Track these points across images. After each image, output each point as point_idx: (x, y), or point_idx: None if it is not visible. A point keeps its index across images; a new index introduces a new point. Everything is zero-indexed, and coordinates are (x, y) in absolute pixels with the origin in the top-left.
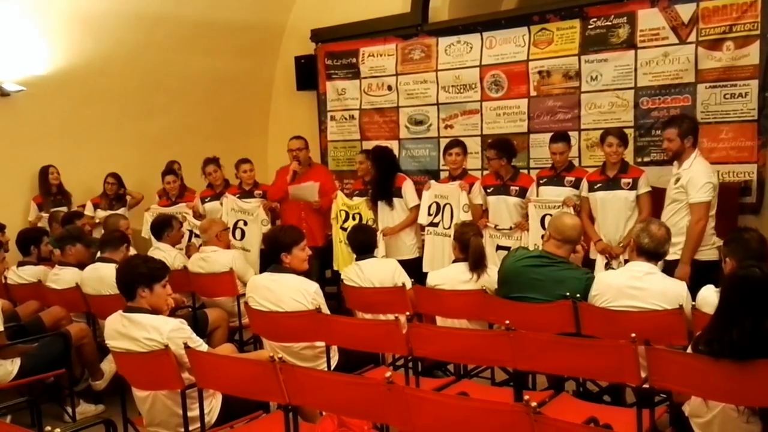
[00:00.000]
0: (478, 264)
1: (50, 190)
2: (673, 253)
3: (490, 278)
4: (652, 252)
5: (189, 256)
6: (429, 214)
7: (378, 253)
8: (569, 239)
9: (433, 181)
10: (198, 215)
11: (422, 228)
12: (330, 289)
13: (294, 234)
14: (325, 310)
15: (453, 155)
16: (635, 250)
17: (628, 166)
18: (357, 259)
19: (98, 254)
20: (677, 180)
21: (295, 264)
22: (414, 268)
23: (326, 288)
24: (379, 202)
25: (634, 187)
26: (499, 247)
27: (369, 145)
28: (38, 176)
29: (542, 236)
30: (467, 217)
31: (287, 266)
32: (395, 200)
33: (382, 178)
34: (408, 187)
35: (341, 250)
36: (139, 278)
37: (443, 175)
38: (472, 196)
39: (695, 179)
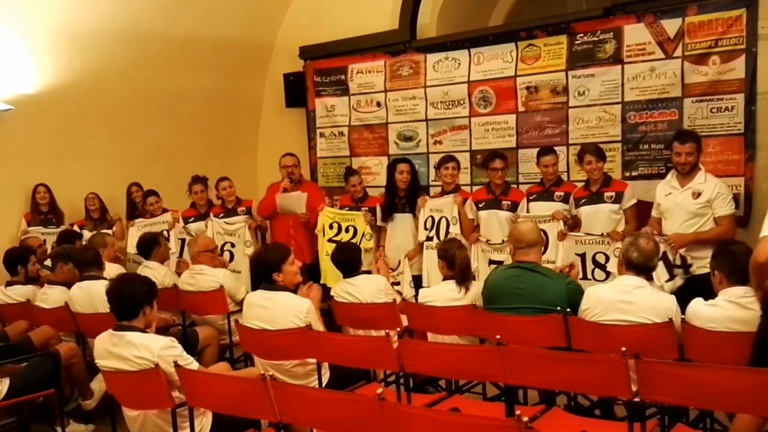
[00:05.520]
0: (465, 276)
1: (39, 209)
2: (702, 267)
3: (478, 289)
4: (641, 266)
5: (179, 273)
6: (425, 229)
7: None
8: (532, 242)
9: (427, 197)
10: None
11: (420, 245)
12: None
13: (280, 251)
14: (317, 327)
15: (450, 169)
16: (624, 264)
17: (611, 180)
18: (345, 277)
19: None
20: (697, 195)
21: (288, 280)
22: (419, 283)
23: None
24: (397, 216)
25: (617, 200)
26: (491, 262)
27: (358, 161)
28: (31, 194)
29: None
30: (456, 229)
31: (281, 284)
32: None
33: (413, 191)
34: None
35: (329, 263)
36: (146, 297)
37: (433, 190)
38: (465, 211)
39: (723, 192)
